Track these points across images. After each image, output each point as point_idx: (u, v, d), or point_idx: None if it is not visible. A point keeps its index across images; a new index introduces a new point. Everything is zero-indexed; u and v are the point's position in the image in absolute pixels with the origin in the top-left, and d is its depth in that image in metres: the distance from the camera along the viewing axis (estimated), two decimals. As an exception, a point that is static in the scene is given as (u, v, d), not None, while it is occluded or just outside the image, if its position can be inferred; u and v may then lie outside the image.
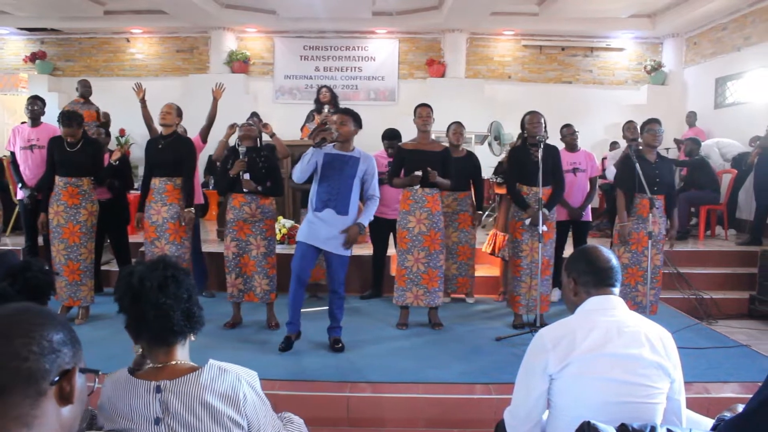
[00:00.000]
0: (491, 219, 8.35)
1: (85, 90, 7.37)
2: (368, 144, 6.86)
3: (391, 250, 6.12)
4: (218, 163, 5.37)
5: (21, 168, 6.18)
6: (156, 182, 5.12)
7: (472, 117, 8.55)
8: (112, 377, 1.78)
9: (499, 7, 9.98)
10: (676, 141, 9.73)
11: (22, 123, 6.60)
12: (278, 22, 10.95)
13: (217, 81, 5.98)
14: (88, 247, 5.19)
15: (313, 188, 4.51)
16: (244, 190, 4.90)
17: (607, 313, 2.03)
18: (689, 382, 2.42)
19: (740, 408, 1.85)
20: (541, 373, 1.98)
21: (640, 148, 5.16)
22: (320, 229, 4.41)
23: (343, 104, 7.46)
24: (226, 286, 5.07)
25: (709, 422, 2.15)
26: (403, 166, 5.05)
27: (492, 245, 6.10)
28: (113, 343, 4.25)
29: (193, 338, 1.85)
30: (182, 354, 1.80)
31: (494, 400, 3.70)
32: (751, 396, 1.65)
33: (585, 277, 2.10)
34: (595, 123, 10.62)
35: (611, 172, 6.68)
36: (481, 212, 5.99)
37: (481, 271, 6.44)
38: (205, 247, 6.44)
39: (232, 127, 5.27)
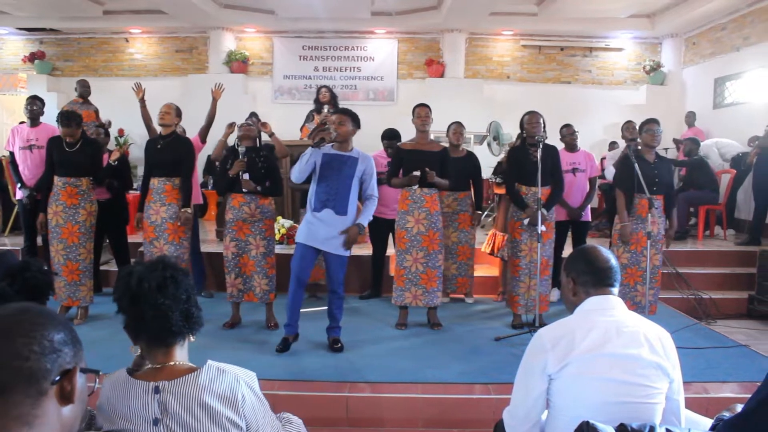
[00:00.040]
0: (490, 219, 8.35)
1: (83, 90, 7.36)
2: (367, 144, 6.86)
3: (391, 250, 6.12)
4: (217, 163, 5.37)
5: (20, 168, 6.18)
6: (155, 182, 5.12)
7: (471, 117, 8.56)
8: (110, 378, 1.78)
9: (498, 7, 9.98)
10: (675, 141, 9.74)
11: (21, 123, 6.59)
12: (277, 22, 10.95)
13: (217, 81, 5.97)
14: (87, 247, 5.19)
15: (312, 188, 4.50)
16: (244, 190, 4.90)
17: (606, 313, 2.03)
18: (688, 382, 2.42)
19: (739, 408, 1.85)
20: (540, 373, 1.98)
21: (639, 148, 5.16)
22: (319, 229, 4.41)
23: (342, 104, 7.45)
24: (226, 286, 5.07)
25: (708, 422, 2.15)
26: (402, 166, 5.05)
27: (491, 245, 6.10)
28: (112, 344, 4.26)
29: (192, 339, 1.85)
30: (181, 355, 1.80)
31: (493, 400, 3.70)
32: (749, 396, 1.65)
33: (584, 277, 2.10)
34: (594, 123, 10.63)
35: (610, 172, 6.69)
36: (480, 212, 5.99)
37: (480, 271, 6.44)
38: (204, 247, 6.44)
39: (231, 126, 5.27)
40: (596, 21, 10.63)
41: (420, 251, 4.98)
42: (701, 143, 8.61)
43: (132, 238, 6.46)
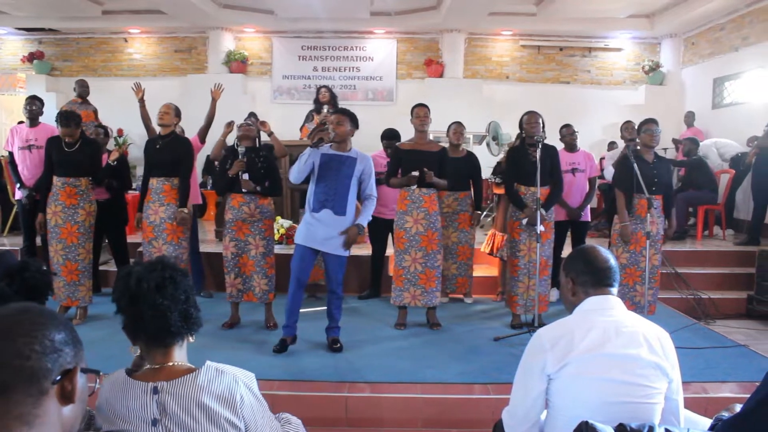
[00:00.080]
0: (489, 219, 8.36)
1: (82, 90, 7.36)
2: (366, 144, 6.86)
3: (390, 251, 6.12)
4: (216, 163, 5.37)
5: (19, 168, 6.18)
6: (154, 182, 5.12)
7: (470, 117, 8.55)
8: (109, 378, 1.78)
9: (497, 7, 9.98)
10: (675, 141, 9.75)
11: (20, 123, 6.59)
12: (276, 22, 10.95)
13: (216, 81, 5.97)
14: (86, 248, 5.18)
15: (311, 189, 4.50)
16: (243, 190, 4.90)
17: (606, 313, 2.03)
18: (687, 381, 2.42)
19: (738, 408, 1.85)
20: (539, 373, 1.98)
21: (638, 148, 5.16)
22: (318, 230, 4.41)
23: (341, 104, 7.46)
24: (225, 286, 5.07)
25: (707, 422, 2.15)
26: (401, 166, 5.05)
27: (490, 245, 6.11)
28: (111, 344, 4.25)
29: (191, 339, 1.85)
30: (180, 355, 1.80)
31: (492, 400, 3.70)
32: (748, 396, 1.65)
33: (583, 277, 2.10)
34: (593, 123, 10.62)
35: (609, 172, 6.69)
36: (479, 212, 5.99)
37: (480, 271, 6.44)
38: (204, 248, 6.44)
39: (230, 125, 5.26)
40: (595, 21, 10.63)
41: (419, 251, 4.98)
42: (700, 143, 8.61)
43: (131, 239, 6.46)
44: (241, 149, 4.90)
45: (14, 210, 7.42)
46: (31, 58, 11.53)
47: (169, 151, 5.09)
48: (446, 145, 5.85)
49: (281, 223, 6.59)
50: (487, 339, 4.86)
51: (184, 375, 1.73)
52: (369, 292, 6.23)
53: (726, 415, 1.95)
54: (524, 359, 2.07)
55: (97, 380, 1.37)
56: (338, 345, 4.54)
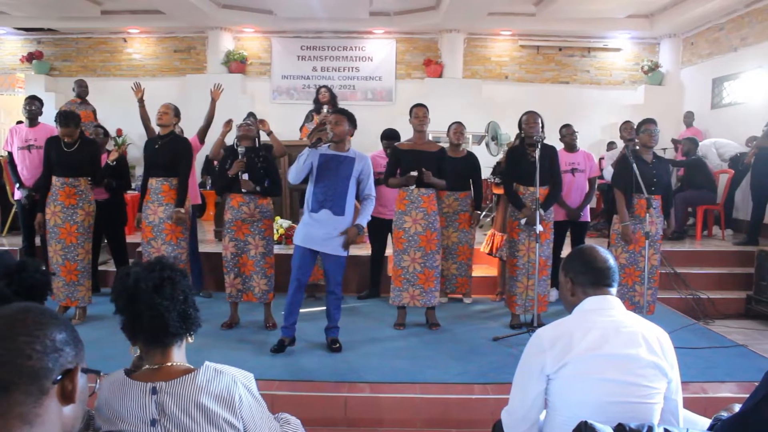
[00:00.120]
0: (488, 219, 8.36)
1: (81, 90, 7.36)
2: (366, 144, 6.86)
3: (390, 251, 6.11)
4: (215, 163, 5.36)
5: (19, 168, 6.17)
6: (153, 182, 5.12)
7: (470, 117, 8.52)
8: (108, 379, 1.77)
9: (496, 7, 9.99)
10: (674, 141, 9.75)
11: (18, 123, 6.58)
12: (275, 22, 10.95)
13: (215, 81, 5.96)
14: (85, 248, 5.18)
15: (309, 189, 4.50)
16: (243, 190, 4.90)
17: (605, 313, 2.03)
18: (686, 381, 2.42)
19: (737, 408, 1.86)
20: (538, 374, 1.98)
21: (637, 148, 5.16)
22: (316, 230, 4.40)
23: (340, 104, 7.46)
24: (225, 286, 5.07)
25: (706, 422, 2.15)
26: (399, 166, 5.05)
27: (490, 245, 6.11)
28: (110, 344, 4.22)
29: (190, 340, 1.85)
30: (179, 355, 1.80)
31: (492, 400, 3.70)
32: (747, 396, 1.65)
33: (582, 277, 2.10)
34: (592, 123, 10.62)
35: (609, 172, 6.69)
36: (479, 212, 5.99)
37: (479, 271, 6.44)
38: (203, 248, 6.44)
39: (228, 123, 5.26)
40: (594, 21, 10.64)
41: (417, 251, 4.98)
42: (699, 143, 8.62)
43: (130, 239, 6.46)
44: (240, 149, 4.90)
45: (13, 210, 7.42)
46: (30, 58, 11.52)
47: (168, 152, 5.08)
48: (446, 145, 5.86)
49: (280, 223, 6.59)
50: (486, 339, 4.86)
51: (183, 375, 1.73)
52: (368, 292, 6.23)
53: (725, 415, 1.95)
54: (523, 359, 2.07)
55: (98, 380, 1.37)
56: (337, 345, 4.54)
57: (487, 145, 8.74)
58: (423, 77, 11.43)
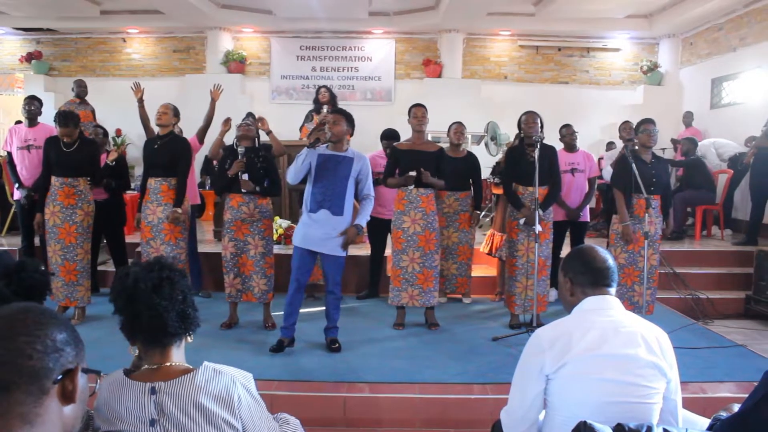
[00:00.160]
0: (488, 219, 8.36)
1: (81, 90, 7.35)
2: (365, 144, 6.86)
3: (389, 251, 6.12)
4: (215, 163, 5.36)
5: (18, 168, 6.16)
6: (152, 182, 5.11)
7: (469, 117, 8.51)
8: (107, 379, 1.77)
9: (496, 7, 9.99)
10: (673, 141, 9.76)
11: (17, 123, 6.58)
12: (275, 22, 10.95)
13: (214, 81, 5.96)
14: (85, 248, 5.18)
15: (308, 189, 4.50)
16: (243, 190, 4.90)
17: (604, 313, 2.03)
18: (685, 381, 2.42)
19: (736, 408, 1.86)
20: (537, 374, 1.98)
21: (636, 148, 5.16)
22: (315, 231, 4.40)
23: (339, 104, 7.46)
24: (224, 287, 5.06)
25: (706, 422, 2.15)
26: (398, 166, 5.05)
27: (489, 245, 6.11)
28: (109, 344, 4.22)
29: (189, 339, 1.85)
30: (178, 355, 1.80)
31: (491, 400, 3.70)
32: (746, 396, 1.65)
33: (581, 277, 2.10)
34: (591, 123, 10.62)
35: (608, 173, 6.69)
36: (479, 212, 6.00)
37: (478, 271, 6.44)
38: (202, 248, 6.44)
39: (227, 122, 5.25)
40: (593, 21, 10.64)
41: (416, 251, 4.98)
42: (699, 143, 8.62)
43: (129, 239, 6.46)
44: (240, 149, 4.90)
45: (12, 210, 7.41)
46: (30, 58, 11.52)
47: (167, 152, 5.08)
48: (446, 145, 5.86)
49: (279, 223, 6.59)
50: (485, 339, 4.86)
51: (182, 375, 1.73)
52: (367, 292, 6.23)
53: (724, 414, 1.96)
54: (522, 359, 2.07)
55: (98, 381, 1.37)
56: (336, 345, 4.54)
57: (486, 145, 8.74)
58: (422, 77, 11.43)
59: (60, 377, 1.10)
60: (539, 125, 5.04)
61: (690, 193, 8.12)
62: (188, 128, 5.96)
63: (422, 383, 3.94)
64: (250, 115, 6.46)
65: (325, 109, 7.54)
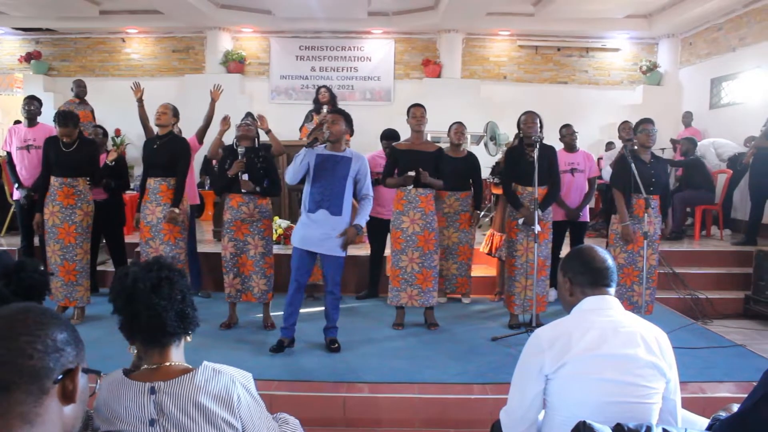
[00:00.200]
0: (487, 219, 8.36)
1: (80, 90, 7.35)
2: (364, 144, 6.86)
3: (389, 251, 6.12)
4: (214, 162, 5.35)
5: (18, 168, 6.15)
6: (151, 182, 5.11)
7: (468, 117, 8.51)
8: (107, 379, 1.77)
9: (495, 7, 10.00)
10: (673, 141, 9.76)
11: (16, 123, 6.57)
12: (274, 22, 10.95)
13: (213, 81, 5.97)
14: (84, 248, 5.18)
15: (306, 189, 4.51)
16: (243, 190, 4.90)
17: (603, 313, 2.03)
18: (685, 381, 2.43)
19: (735, 408, 1.86)
20: (537, 374, 1.98)
21: (635, 148, 5.17)
22: (314, 231, 4.40)
23: (339, 104, 7.46)
24: (224, 287, 5.06)
25: (705, 422, 2.15)
26: (397, 166, 5.05)
27: (489, 245, 6.11)
28: (109, 344, 4.22)
29: (188, 339, 1.85)
30: (177, 355, 1.80)
31: (490, 400, 3.70)
32: (746, 396, 1.65)
33: (580, 277, 2.10)
34: (590, 123, 10.62)
35: (607, 173, 6.69)
36: (478, 212, 6.00)
37: (478, 271, 6.44)
38: (201, 248, 6.44)
39: (225, 121, 5.24)
40: (593, 21, 10.65)
41: (415, 251, 4.98)
42: (698, 143, 8.62)
43: (129, 239, 6.46)
44: (240, 149, 4.89)
45: (12, 210, 7.41)
46: (29, 58, 11.52)
47: (166, 152, 5.08)
48: (446, 145, 5.86)
49: (279, 223, 6.58)
50: (485, 339, 4.86)
51: (181, 375, 1.73)
52: (367, 292, 6.23)
53: (723, 414, 1.96)
54: (522, 359, 2.07)
55: (98, 381, 1.37)
56: (336, 345, 4.53)
57: (485, 145, 8.74)
58: (421, 77, 11.44)
59: (60, 377, 1.10)
60: (538, 125, 5.04)
61: (689, 193, 8.12)
62: (187, 128, 5.96)
63: (422, 383, 3.94)
64: (249, 115, 6.45)
65: (325, 109, 7.54)
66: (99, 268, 6.31)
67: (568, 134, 6.01)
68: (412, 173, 4.89)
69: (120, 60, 11.80)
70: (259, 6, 10.50)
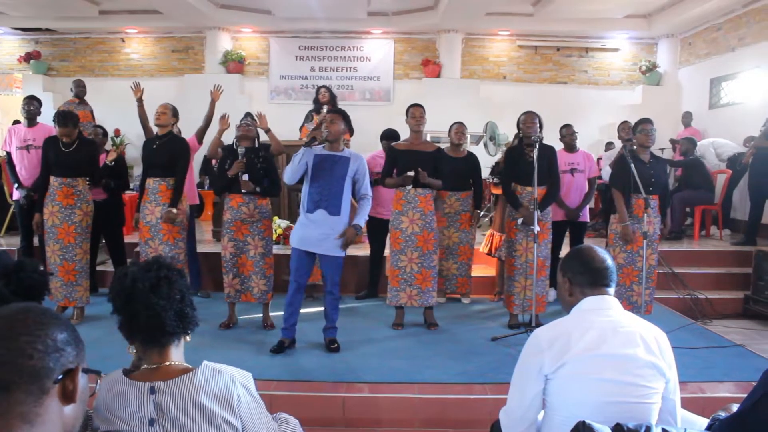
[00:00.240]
0: (487, 219, 8.36)
1: (79, 90, 7.34)
2: (364, 144, 6.85)
3: (389, 251, 6.11)
4: (214, 162, 5.35)
5: (17, 168, 6.15)
6: (150, 182, 5.12)
7: (468, 117, 8.51)
8: (107, 379, 1.77)
9: (494, 7, 10.00)
10: (672, 141, 9.76)
11: (15, 123, 6.56)
12: (273, 22, 10.95)
13: (213, 81, 5.96)
14: (83, 248, 5.17)
15: (305, 189, 4.50)
16: (243, 190, 4.89)
17: (603, 313, 2.03)
18: (684, 381, 2.43)
19: (735, 408, 1.86)
20: (536, 374, 1.98)
21: (635, 148, 5.17)
22: (312, 231, 4.40)
23: (338, 104, 7.46)
24: (223, 287, 5.06)
25: (704, 422, 2.15)
26: (396, 166, 5.05)
27: (489, 245, 6.11)
28: (108, 344, 4.22)
29: (188, 339, 1.85)
30: (176, 355, 1.80)
31: (490, 400, 3.70)
32: (745, 395, 1.65)
33: (580, 277, 2.10)
34: (590, 123, 10.62)
35: (606, 172, 6.69)
36: (478, 211, 6.00)
37: (477, 271, 6.44)
38: (201, 248, 6.44)
39: (224, 119, 5.23)
40: (592, 21, 10.65)
41: (415, 251, 4.98)
42: (698, 143, 8.62)
43: (128, 239, 6.45)
44: (240, 150, 4.89)
45: (11, 210, 7.41)
46: (28, 58, 11.51)
47: (165, 152, 5.08)
48: (446, 145, 5.86)
49: (278, 223, 6.58)
50: (484, 339, 4.86)
51: (181, 375, 1.72)
52: (366, 292, 6.23)
53: (723, 414, 1.96)
54: (521, 359, 2.07)
55: (98, 381, 1.37)
56: (335, 345, 4.53)
57: (485, 145, 8.74)
58: (421, 77, 11.44)
59: (60, 377, 1.10)
60: (538, 125, 5.04)
61: (689, 193, 8.13)
62: (187, 128, 5.96)
63: (421, 383, 3.94)
64: (248, 115, 6.45)
65: (325, 109, 7.54)
66: (98, 268, 6.31)
67: (568, 134, 6.01)
68: (411, 173, 4.89)
69: (119, 60, 11.79)
70: (259, 6, 10.50)
